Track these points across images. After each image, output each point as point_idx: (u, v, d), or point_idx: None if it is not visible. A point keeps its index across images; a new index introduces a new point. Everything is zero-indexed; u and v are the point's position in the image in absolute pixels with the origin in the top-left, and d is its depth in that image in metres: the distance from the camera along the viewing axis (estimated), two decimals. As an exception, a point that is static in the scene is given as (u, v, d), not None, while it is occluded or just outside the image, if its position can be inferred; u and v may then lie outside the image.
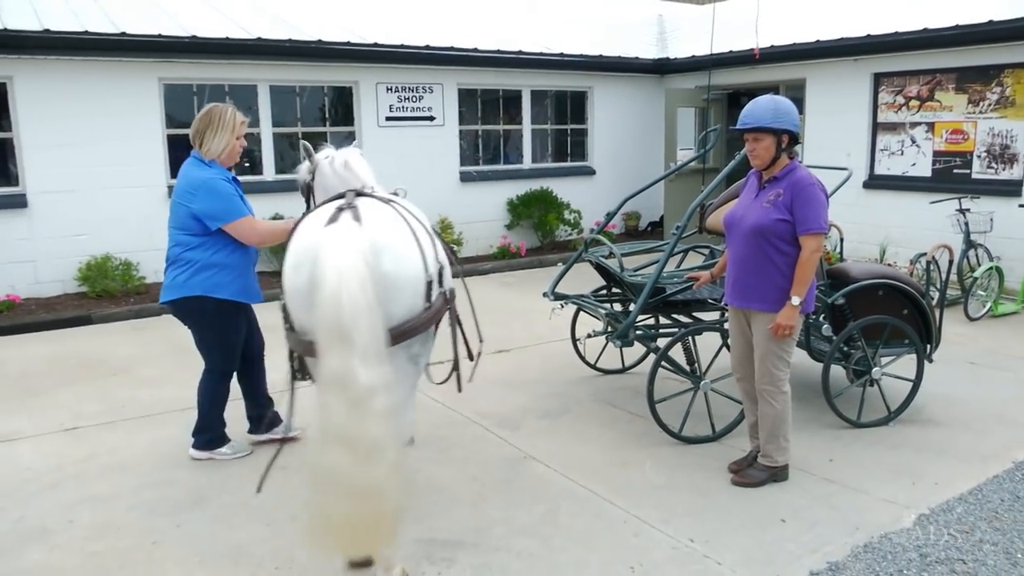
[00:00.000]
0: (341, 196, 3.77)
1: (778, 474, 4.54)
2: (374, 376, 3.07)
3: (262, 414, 5.24)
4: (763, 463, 4.56)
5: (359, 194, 3.81)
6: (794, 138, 4.31)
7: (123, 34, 9.15)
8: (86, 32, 8.95)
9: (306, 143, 4.79)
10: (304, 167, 4.82)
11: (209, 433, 5.05)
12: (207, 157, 4.77)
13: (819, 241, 4.23)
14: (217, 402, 5.01)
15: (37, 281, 9.21)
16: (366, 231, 3.41)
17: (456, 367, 4.06)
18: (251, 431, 5.27)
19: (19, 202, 9.05)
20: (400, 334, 3.52)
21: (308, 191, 4.69)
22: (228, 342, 4.92)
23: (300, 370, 3.90)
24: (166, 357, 7.28)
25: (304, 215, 4.04)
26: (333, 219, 3.46)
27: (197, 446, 5.06)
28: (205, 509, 4.36)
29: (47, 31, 8.74)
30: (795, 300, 4.22)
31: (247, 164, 10.45)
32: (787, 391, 4.43)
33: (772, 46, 11.46)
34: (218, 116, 4.76)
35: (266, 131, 10.70)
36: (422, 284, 3.62)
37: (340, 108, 11.45)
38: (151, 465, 4.95)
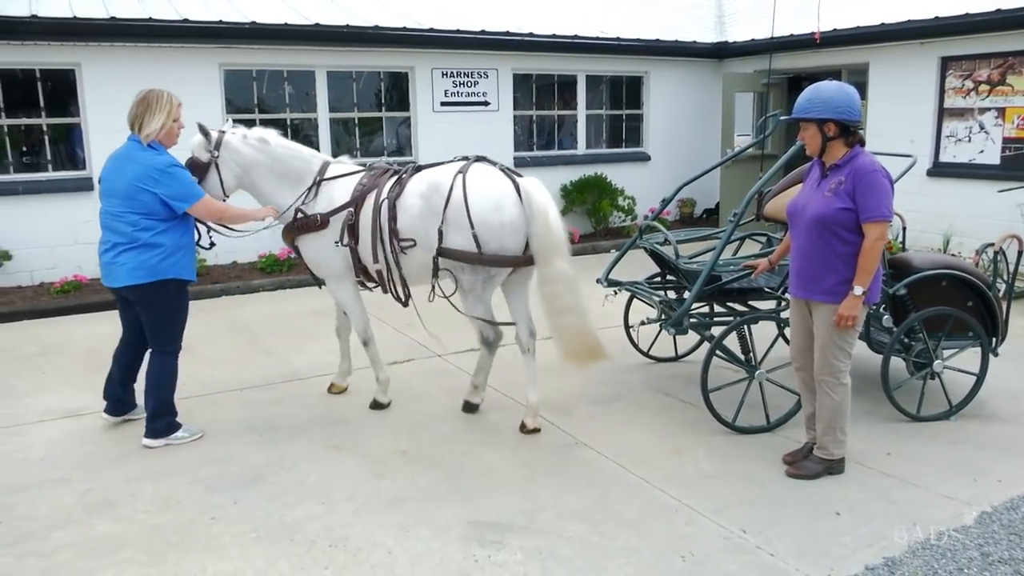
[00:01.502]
0: (464, 159, 5.21)
1: (833, 467, 4.47)
2: (573, 270, 5.01)
3: (126, 398, 5.39)
4: (819, 455, 4.48)
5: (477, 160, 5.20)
6: (844, 126, 4.17)
7: (185, 21, 9.34)
8: (150, 19, 9.15)
9: (200, 122, 5.25)
10: (199, 143, 5.22)
11: (168, 416, 5.10)
12: (145, 140, 4.88)
13: (883, 229, 4.11)
14: (173, 383, 5.12)
15: (102, 262, 9.47)
16: None
17: None
18: (110, 411, 5.36)
19: (86, 185, 9.31)
20: None
21: (206, 168, 5.22)
22: (182, 321, 5.17)
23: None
24: (224, 338, 7.44)
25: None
26: (508, 175, 5.06)
27: (154, 434, 5.05)
28: (261, 487, 4.46)
29: (113, 19, 8.95)
30: (857, 290, 4.12)
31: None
32: (847, 383, 4.35)
33: (835, 29, 11.20)
34: (155, 99, 4.91)
35: (323, 116, 10.82)
36: None
37: (395, 94, 11.52)
38: (209, 442, 5.08)
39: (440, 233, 4.94)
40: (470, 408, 5.52)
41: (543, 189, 5.01)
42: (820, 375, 4.36)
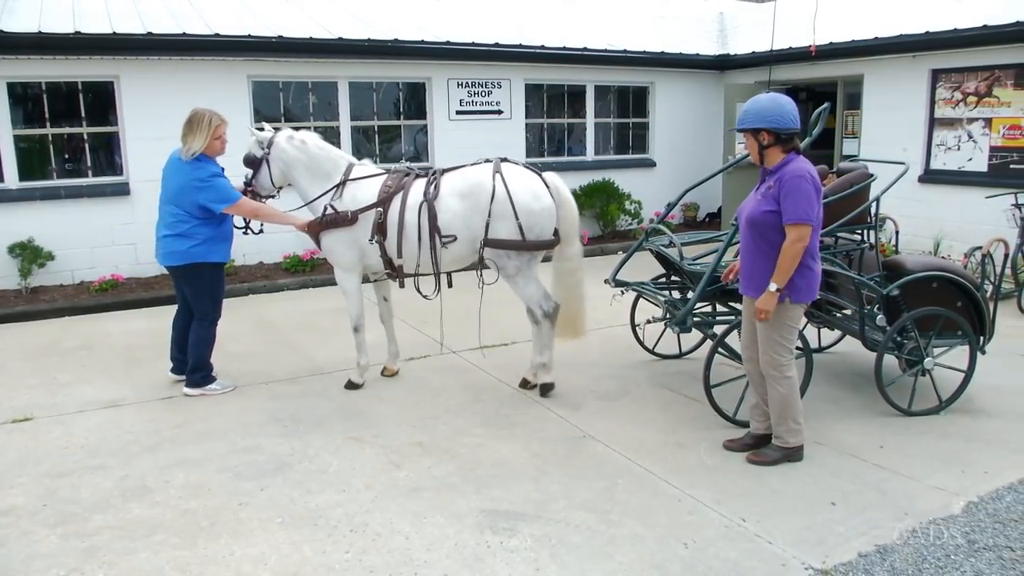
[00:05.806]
0: (491, 160, 5.57)
1: (792, 455, 4.47)
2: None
3: (183, 358, 5.88)
4: (776, 444, 4.49)
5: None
6: (777, 134, 4.20)
7: (216, 35, 9.36)
8: (184, 34, 9.19)
9: (261, 124, 5.98)
10: (254, 141, 5.82)
11: (203, 371, 5.78)
12: (187, 156, 5.45)
13: (801, 231, 4.10)
14: (210, 345, 5.80)
15: (138, 262, 9.53)
16: None
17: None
18: (174, 371, 6.04)
19: (123, 190, 9.37)
20: None
21: (259, 163, 5.74)
22: (219, 295, 5.83)
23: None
24: (251, 334, 7.47)
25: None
26: (537, 171, 5.53)
27: (192, 384, 5.76)
28: (286, 475, 4.47)
29: (150, 34, 8.99)
30: (772, 286, 4.15)
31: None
32: (791, 375, 4.36)
33: (831, 43, 11.13)
34: (197, 121, 5.48)
35: (345, 125, 10.83)
36: None
37: (413, 103, 11.53)
38: (238, 432, 5.09)
39: (486, 226, 5.28)
40: (547, 389, 5.62)
41: (562, 181, 5.55)
42: (765, 369, 4.39)
